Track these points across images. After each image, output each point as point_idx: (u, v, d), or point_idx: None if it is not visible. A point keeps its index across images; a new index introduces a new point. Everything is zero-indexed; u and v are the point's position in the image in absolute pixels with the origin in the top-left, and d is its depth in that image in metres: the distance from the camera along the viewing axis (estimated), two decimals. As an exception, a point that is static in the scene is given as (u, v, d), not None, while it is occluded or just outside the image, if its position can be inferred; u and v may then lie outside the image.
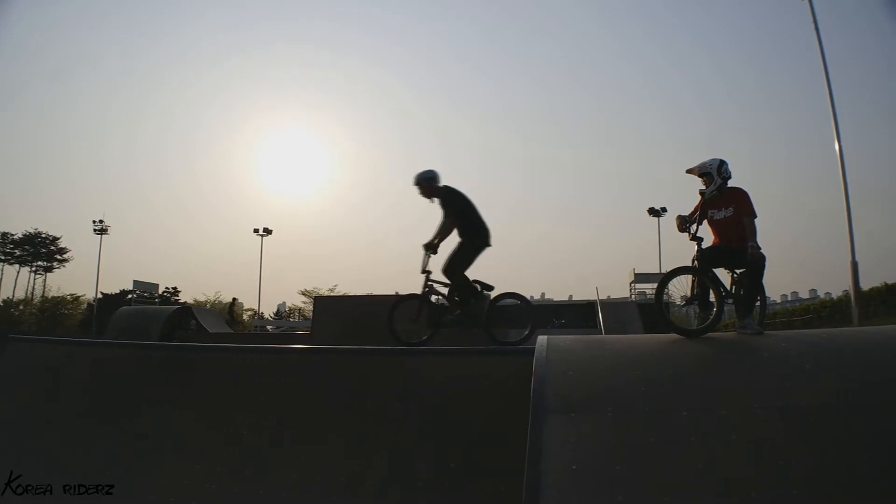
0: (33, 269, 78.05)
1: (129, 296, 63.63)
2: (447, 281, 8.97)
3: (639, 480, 4.43)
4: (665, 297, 7.37)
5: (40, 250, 77.43)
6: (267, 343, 14.80)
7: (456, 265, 8.89)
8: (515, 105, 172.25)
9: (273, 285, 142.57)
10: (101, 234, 69.26)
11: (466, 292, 8.94)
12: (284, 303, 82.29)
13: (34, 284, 77.13)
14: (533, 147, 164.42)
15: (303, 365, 7.77)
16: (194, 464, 6.46)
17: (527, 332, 9.09)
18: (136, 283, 62.34)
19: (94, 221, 70.08)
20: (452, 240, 9.01)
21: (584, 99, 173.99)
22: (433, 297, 9.13)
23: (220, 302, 67.49)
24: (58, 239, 77.96)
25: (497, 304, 9.20)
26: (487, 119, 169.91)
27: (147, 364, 8.44)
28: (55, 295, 70.10)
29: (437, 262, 8.99)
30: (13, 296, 72.23)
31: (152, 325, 23.30)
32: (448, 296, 9.04)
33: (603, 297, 35.45)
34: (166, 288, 71.83)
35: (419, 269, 9.03)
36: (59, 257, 78.89)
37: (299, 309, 76.59)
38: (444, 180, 8.99)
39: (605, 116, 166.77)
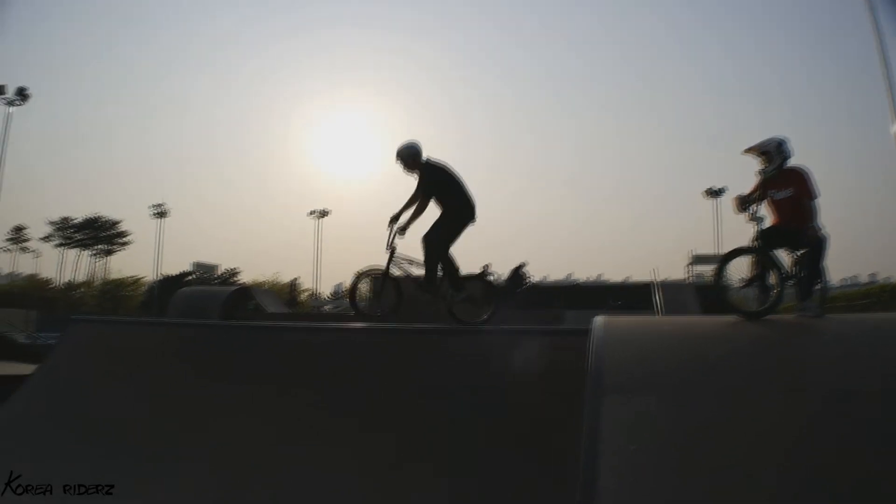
0: (94, 252, 79.91)
1: (189, 277, 64.83)
2: (421, 257, 8.80)
3: (695, 461, 4.41)
4: (724, 278, 7.31)
5: (100, 234, 79.16)
6: (323, 323, 14.87)
7: (440, 240, 8.72)
8: (570, 84, 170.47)
9: (330, 266, 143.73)
10: (160, 217, 70.73)
11: (449, 270, 8.78)
12: (341, 283, 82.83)
13: (95, 267, 79.03)
14: (588, 126, 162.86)
15: (356, 344, 7.88)
16: (249, 440, 6.59)
17: (490, 313, 9.06)
18: (195, 264, 63.64)
19: (152, 205, 71.61)
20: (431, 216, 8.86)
21: (640, 78, 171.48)
22: (397, 273, 8.96)
23: (278, 283, 68.33)
24: (117, 223, 79.68)
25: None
26: (542, 99, 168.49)
27: (205, 343, 8.65)
28: (116, 277, 71.73)
29: (406, 239, 8.87)
30: (74, 278, 74.19)
31: (212, 306, 23.64)
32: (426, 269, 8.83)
33: (660, 278, 34.99)
34: (225, 269, 73.03)
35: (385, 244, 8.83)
36: (119, 241, 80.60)
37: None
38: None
39: (661, 96, 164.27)
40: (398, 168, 8.87)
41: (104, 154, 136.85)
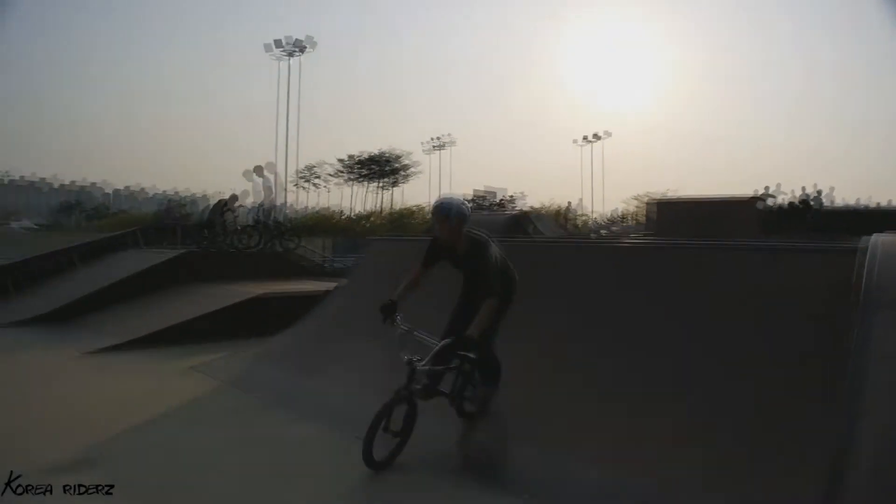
0: (380, 185, 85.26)
1: (470, 204, 67.17)
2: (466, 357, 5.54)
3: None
4: None
5: (385, 168, 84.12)
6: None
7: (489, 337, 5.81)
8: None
9: (606, 191, 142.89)
10: (439, 149, 74.33)
11: (490, 367, 6.07)
12: (617, 209, 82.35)
13: (382, 199, 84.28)
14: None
15: (634, 261, 7.84)
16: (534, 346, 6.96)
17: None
18: (475, 192, 66.06)
19: (431, 139, 75.47)
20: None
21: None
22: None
23: (554, 208, 69.09)
24: (400, 157, 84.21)
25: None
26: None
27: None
28: (401, 207, 75.85)
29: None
30: (363, 209, 79.41)
31: (490, 232, 24.58)
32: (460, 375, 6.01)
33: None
34: (503, 196, 75.05)
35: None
36: (403, 173, 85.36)
37: (633, 214, 76.27)
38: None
39: None
40: (440, 222, 5.89)
41: (387, 93, 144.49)
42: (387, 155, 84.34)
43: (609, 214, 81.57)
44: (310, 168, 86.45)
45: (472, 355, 5.43)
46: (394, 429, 5.48)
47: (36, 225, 77.99)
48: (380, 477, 5.38)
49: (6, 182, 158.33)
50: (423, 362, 5.45)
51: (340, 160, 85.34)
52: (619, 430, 5.56)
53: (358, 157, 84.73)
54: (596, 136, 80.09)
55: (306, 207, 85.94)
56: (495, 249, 5.89)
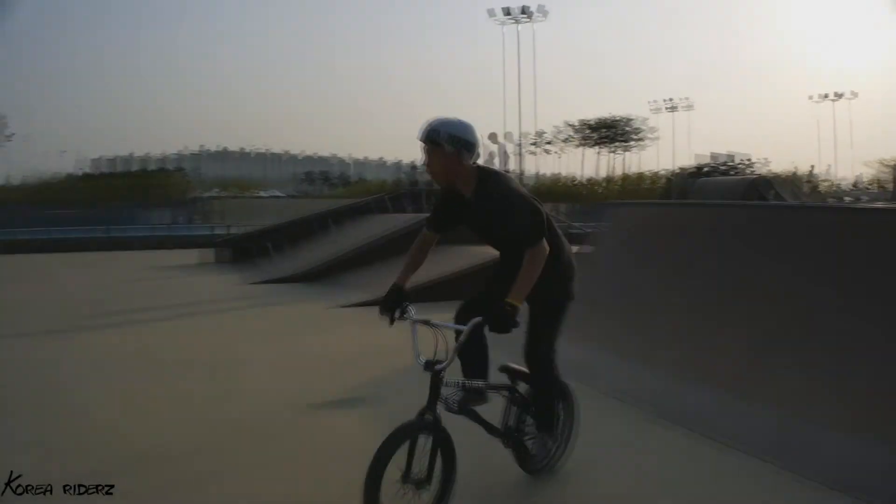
0: (612, 150, 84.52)
1: (705, 168, 65.53)
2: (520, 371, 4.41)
3: None
4: None
5: (617, 133, 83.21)
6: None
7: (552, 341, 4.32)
8: None
9: (846, 155, 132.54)
10: (672, 111, 72.89)
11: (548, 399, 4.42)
12: (861, 174, 77.09)
13: (614, 163, 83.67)
14: None
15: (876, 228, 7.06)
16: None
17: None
18: (713, 155, 64.36)
19: (664, 100, 73.94)
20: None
21: None
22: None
23: (796, 173, 65.95)
24: (631, 120, 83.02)
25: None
26: None
27: (722, 224, 8.99)
28: (635, 171, 74.96)
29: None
30: (596, 175, 79.10)
31: (728, 197, 23.96)
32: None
33: None
34: (741, 160, 72.41)
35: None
36: (635, 137, 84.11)
37: (879, 180, 70.97)
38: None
39: None
40: (429, 153, 3.76)
41: (622, 57, 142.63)
42: (618, 119, 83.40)
43: (853, 179, 77.02)
44: (539, 134, 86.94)
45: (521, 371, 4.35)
46: (417, 476, 3.51)
47: (283, 194, 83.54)
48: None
49: (253, 155, 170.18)
50: (445, 362, 3.70)
51: (571, 125, 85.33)
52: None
53: (589, 122, 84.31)
54: (838, 95, 75.40)
55: (537, 174, 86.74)
56: (521, 186, 4.07)
